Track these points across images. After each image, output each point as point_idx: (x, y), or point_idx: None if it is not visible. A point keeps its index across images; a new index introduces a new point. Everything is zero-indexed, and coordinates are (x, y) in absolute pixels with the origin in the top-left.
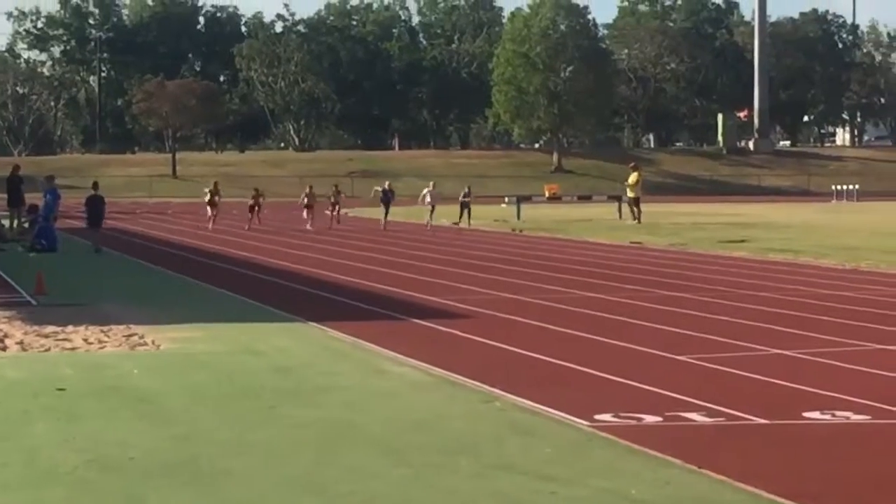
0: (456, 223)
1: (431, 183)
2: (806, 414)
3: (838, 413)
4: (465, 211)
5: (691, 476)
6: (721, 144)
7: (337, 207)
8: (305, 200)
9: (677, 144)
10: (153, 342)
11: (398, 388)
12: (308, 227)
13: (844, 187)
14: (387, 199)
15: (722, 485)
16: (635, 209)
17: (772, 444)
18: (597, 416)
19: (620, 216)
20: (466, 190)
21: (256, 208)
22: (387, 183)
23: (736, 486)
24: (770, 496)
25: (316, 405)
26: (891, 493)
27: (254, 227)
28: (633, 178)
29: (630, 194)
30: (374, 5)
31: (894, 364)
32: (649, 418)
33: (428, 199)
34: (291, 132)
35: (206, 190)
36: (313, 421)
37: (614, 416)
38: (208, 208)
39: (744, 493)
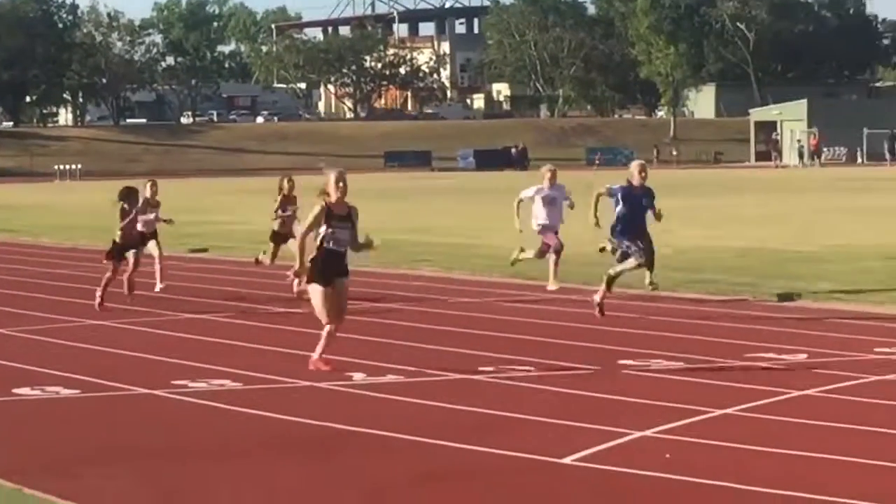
0: None
1: None
2: (16, 390)
3: (48, 388)
4: None
5: None
6: None
7: None
8: None
9: None
10: None
11: None
12: None
13: (67, 167)
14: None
15: None
16: None
17: None
18: None
19: None
20: None
21: None
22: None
23: None
24: None
25: None
26: (98, 462)
27: None
28: None
29: None
30: None
31: (137, 341)
32: None
33: None
34: None
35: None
36: None
37: None
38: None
39: None
